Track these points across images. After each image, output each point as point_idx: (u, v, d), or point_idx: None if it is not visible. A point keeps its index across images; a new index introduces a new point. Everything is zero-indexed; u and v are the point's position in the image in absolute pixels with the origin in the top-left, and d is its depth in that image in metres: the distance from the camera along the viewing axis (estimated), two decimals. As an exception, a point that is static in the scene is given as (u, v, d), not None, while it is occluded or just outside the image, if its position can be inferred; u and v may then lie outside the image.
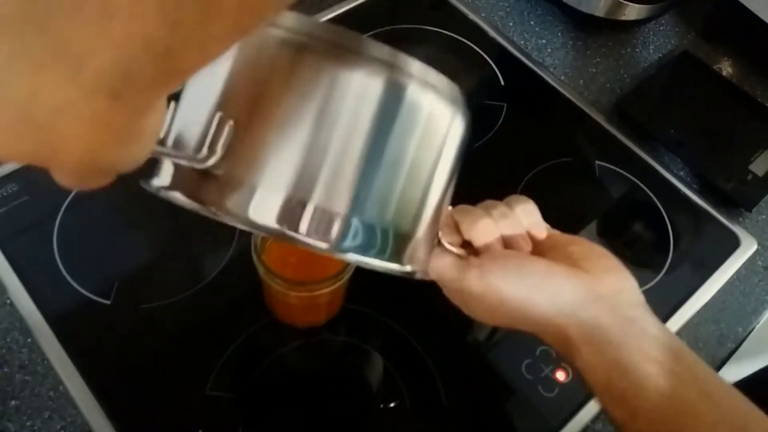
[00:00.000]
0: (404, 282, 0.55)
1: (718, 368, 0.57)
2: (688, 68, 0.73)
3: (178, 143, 0.26)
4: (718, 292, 0.59)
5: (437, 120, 0.30)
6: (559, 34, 0.77)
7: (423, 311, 0.54)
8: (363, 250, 0.28)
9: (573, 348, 0.36)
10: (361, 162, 0.27)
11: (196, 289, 0.53)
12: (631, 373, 0.34)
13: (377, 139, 0.27)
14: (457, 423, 0.50)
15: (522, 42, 0.76)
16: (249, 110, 0.26)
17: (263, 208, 0.26)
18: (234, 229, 0.56)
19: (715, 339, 0.58)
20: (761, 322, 0.60)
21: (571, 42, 0.77)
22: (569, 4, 0.74)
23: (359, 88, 0.26)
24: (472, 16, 0.76)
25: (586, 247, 0.39)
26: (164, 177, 0.28)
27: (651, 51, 0.78)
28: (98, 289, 0.52)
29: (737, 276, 0.61)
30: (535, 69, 0.72)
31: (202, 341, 0.51)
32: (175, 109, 0.26)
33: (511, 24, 0.78)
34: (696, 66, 0.74)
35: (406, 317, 0.53)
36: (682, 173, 0.67)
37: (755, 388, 0.61)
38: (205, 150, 0.25)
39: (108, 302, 0.51)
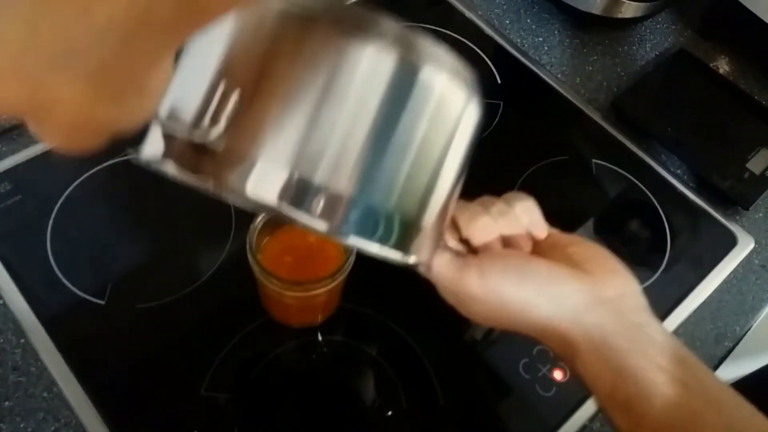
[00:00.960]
0: (401, 281, 0.55)
1: (716, 367, 0.57)
2: (685, 66, 0.73)
3: (175, 113, 0.25)
4: (715, 290, 0.59)
5: (450, 104, 0.28)
6: (556, 32, 0.77)
7: (420, 310, 0.54)
8: (365, 234, 0.27)
9: (576, 354, 0.34)
10: (368, 142, 0.26)
11: (190, 290, 0.52)
12: (637, 380, 0.33)
13: (386, 119, 0.26)
14: (454, 422, 0.50)
15: (519, 40, 0.76)
16: (252, 82, 0.25)
17: (263, 184, 0.25)
18: (229, 228, 0.56)
19: (712, 338, 0.57)
20: (758, 320, 0.60)
21: (567, 40, 0.77)
22: (566, 1, 0.74)
23: (369, 65, 0.25)
24: (468, 13, 0.75)
25: (587, 247, 0.38)
26: (156, 147, 0.26)
27: (648, 49, 0.77)
28: (92, 289, 0.51)
29: (734, 274, 0.61)
30: (532, 67, 0.72)
31: (197, 342, 0.51)
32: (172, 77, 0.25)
33: (507, 22, 0.77)
34: (693, 64, 0.74)
35: (402, 317, 0.53)
36: (679, 171, 0.67)
37: (753, 387, 0.61)
38: (206, 121, 0.24)
39: (102, 302, 0.51)
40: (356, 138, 0.25)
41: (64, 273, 0.52)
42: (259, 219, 0.46)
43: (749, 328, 0.59)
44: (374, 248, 0.27)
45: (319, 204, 0.25)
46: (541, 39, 0.76)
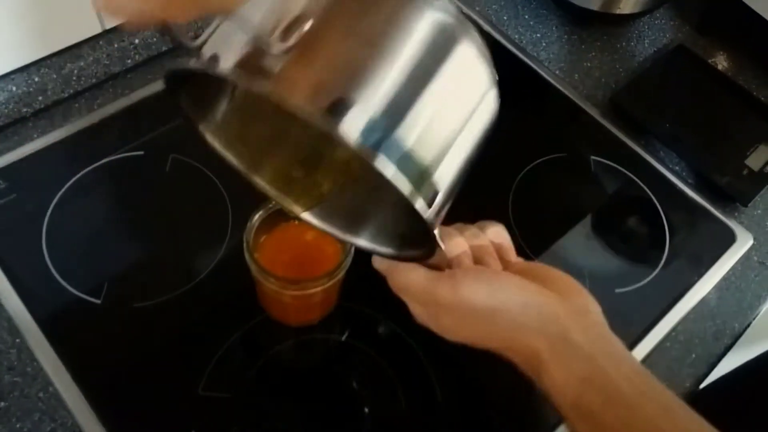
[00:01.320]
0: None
1: (714, 364, 0.57)
2: (684, 62, 0.73)
3: (251, 16, 0.28)
4: (714, 287, 0.59)
5: (475, 79, 0.33)
6: (554, 28, 0.77)
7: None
8: (391, 156, 0.29)
9: (541, 364, 0.36)
10: (406, 83, 0.29)
11: (187, 288, 0.52)
12: (602, 388, 0.35)
13: (422, 71, 0.30)
14: (453, 420, 0.50)
15: (516, 36, 0.75)
16: (325, 14, 0.28)
17: (311, 95, 0.28)
18: (226, 227, 0.56)
19: (711, 335, 0.57)
20: (757, 317, 0.60)
21: (565, 36, 0.76)
22: (564, -3, 0.74)
23: (426, 24, 0.30)
24: (465, 9, 0.75)
25: (553, 272, 0.41)
26: (220, 44, 0.29)
27: (646, 45, 0.77)
28: (88, 288, 0.51)
29: (733, 271, 0.61)
30: (530, 63, 0.71)
31: (194, 341, 0.50)
32: None
33: (505, 18, 0.77)
34: (691, 60, 0.73)
35: (400, 315, 0.52)
36: (677, 168, 0.67)
37: (746, 377, 0.61)
38: (277, 34, 0.27)
39: (98, 301, 0.51)
40: (396, 76, 0.29)
41: (59, 272, 0.51)
42: (256, 217, 0.46)
43: (748, 325, 0.59)
44: (391, 171, 0.29)
45: (351, 116, 0.28)
46: (539, 35, 0.76)
